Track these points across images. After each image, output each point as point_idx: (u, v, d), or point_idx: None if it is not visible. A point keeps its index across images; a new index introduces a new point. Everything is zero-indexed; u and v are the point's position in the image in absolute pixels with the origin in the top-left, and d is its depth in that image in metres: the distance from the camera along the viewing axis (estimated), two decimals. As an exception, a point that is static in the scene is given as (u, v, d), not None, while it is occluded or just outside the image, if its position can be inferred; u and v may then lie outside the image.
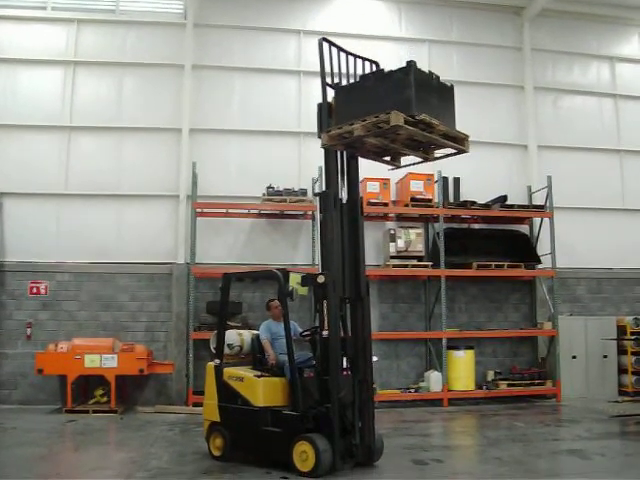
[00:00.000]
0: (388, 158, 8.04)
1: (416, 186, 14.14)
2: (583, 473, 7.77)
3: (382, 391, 13.39)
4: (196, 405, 12.10)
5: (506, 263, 14.16)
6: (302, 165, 14.53)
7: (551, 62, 16.34)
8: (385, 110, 6.69)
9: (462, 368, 13.88)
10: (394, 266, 13.86)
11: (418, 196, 14.14)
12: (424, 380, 14.01)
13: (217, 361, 8.57)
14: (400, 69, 7.00)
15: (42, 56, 14.32)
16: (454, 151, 7.55)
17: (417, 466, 8.09)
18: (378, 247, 14.33)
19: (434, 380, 13.71)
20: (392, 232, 14.07)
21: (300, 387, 7.77)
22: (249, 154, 14.55)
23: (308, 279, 8.16)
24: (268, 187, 13.86)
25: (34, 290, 13.51)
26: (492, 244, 14.64)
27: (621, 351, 14.72)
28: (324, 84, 7.98)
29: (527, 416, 12.32)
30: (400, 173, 12.73)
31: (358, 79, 7.80)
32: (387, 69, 7.34)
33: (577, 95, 16.39)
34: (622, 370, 14.72)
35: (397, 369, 14.38)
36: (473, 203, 14.51)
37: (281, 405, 7.98)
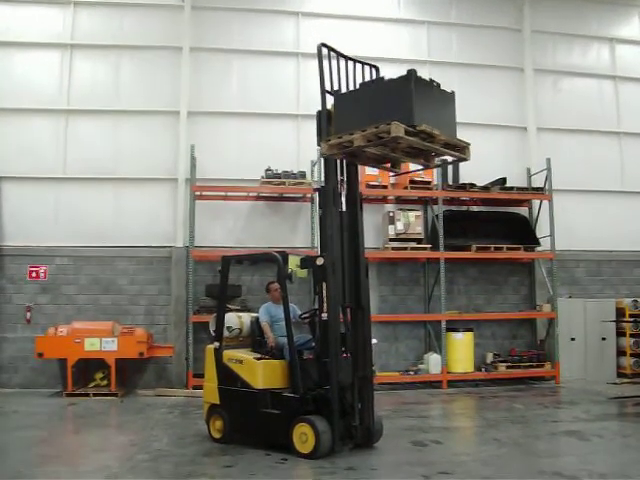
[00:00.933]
0: (388, 165, 7.99)
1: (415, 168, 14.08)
2: (581, 454, 7.80)
3: (381, 373, 13.41)
4: (196, 388, 12.14)
5: (505, 245, 14.17)
6: (301, 147, 14.44)
7: (551, 44, 16.21)
8: (385, 120, 6.57)
9: (461, 350, 13.92)
10: (393, 249, 13.87)
11: (417, 178, 14.09)
12: (423, 362, 14.06)
13: (217, 344, 8.57)
14: (400, 77, 6.83)
15: (39, 39, 14.19)
16: (454, 158, 7.49)
17: (416, 447, 8.13)
18: (377, 230, 14.30)
19: (433, 362, 13.76)
20: (391, 215, 14.05)
21: (299, 369, 7.79)
22: (248, 137, 14.47)
23: (307, 261, 8.14)
24: (267, 170, 13.82)
25: (33, 274, 13.50)
26: (491, 226, 14.63)
27: (620, 333, 14.75)
28: (323, 91, 7.85)
29: (526, 398, 12.36)
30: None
31: (358, 86, 7.67)
32: (387, 77, 7.17)
33: (577, 77, 16.27)
34: (620, 352, 14.76)
35: (396, 351, 14.42)
36: (472, 185, 14.47)
37: (281, 387, 7.99)
